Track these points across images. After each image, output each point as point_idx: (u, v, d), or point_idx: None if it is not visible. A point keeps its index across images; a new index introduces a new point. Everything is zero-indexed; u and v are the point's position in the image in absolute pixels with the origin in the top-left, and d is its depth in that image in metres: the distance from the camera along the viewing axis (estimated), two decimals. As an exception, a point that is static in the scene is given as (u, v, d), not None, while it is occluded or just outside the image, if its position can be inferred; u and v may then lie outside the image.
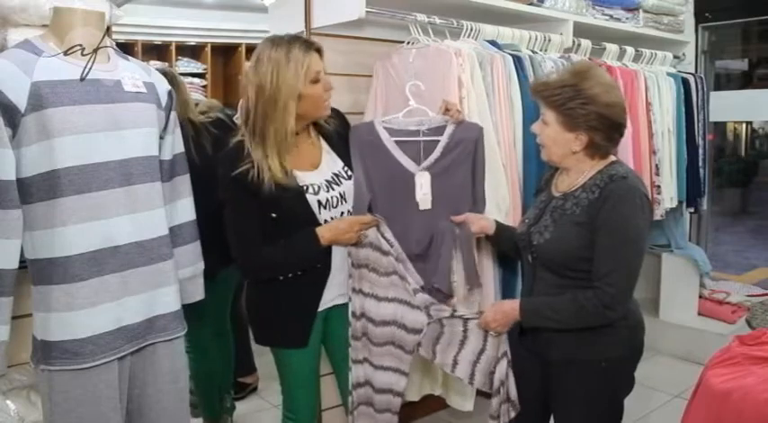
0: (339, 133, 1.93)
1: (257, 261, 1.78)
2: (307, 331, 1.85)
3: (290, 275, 1.80)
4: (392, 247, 1.86)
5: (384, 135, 1.98)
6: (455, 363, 1.88)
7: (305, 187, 1.78)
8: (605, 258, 1.62)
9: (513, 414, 1.86)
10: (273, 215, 1.73)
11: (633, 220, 1.63)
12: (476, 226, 1.97)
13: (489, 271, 2.27)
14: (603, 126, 1.66)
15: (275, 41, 1.73)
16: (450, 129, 1.99)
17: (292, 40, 1.73)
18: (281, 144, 1.71)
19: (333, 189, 1.83)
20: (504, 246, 2.03)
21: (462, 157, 2.00)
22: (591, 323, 1.66)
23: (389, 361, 1.92)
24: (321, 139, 1.89)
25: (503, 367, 1.84)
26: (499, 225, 2.01)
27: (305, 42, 1.74)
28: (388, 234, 1.86)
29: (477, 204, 2.03)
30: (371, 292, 1.89)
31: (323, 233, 1.77)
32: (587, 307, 1.64)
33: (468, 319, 1.85)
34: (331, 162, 1.88)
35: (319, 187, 1.81)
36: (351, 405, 1.97)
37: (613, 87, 1.71)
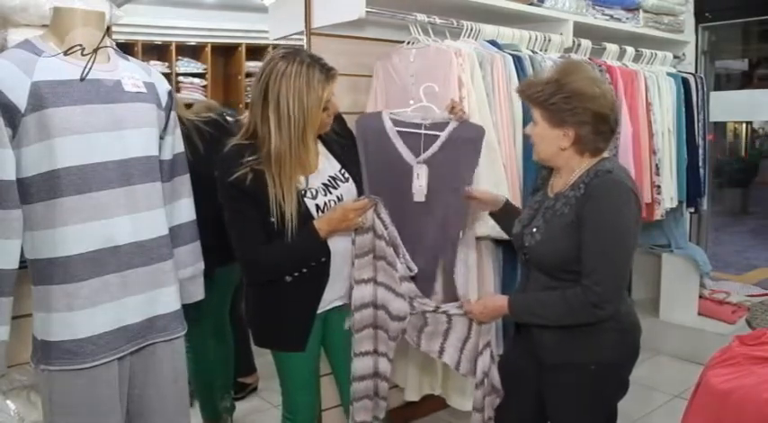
0: (337, 133, 1.93)
1: (261, 262, 1.78)
2: (305, 335, 1.84)
3: (292, 276, 1.79)
4: (386, 229, 1.85)
5: (388, 124, 2.04)
6: (442, 349, 1.90)
7: (303, 191, 1.78)
8: (591, 255, 1.61)
9: (497, 403, 1.87)
10: (272, 219, 1.73)
11: (618, 215, 1.61)
12: (486, 197, 1.98)
13: (489, 273, 2.28)
14: (590, 119, 1.64)
15: (293, 59, 1.70)
16: (451, 126, 2.01)
17: (311, 64, 1.71)
18: (292, 161, 1.72)
19: (330, 192, 1.83)
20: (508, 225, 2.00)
21: (459, 156, 2.01)
22: (580, 321, 1.65)
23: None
24: (318, 142, 1.89)
25: (486, 358, 1.84)
26: (507, 205, 1.99)
27: (323, 67, 1.73)
28: (384, 214, 1.85)
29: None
30: (384, 281, 1.89)
31: (320, 226, 1.77)
32: (575, 305, 1.63)
33: (451, 314, 1.85)
34: (328, 165, 1.88)
35: (317, 191, 1.81)
36: (351, 397, 1.96)
37: (598, 80, 1.70)
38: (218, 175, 1.75)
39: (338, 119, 1.96)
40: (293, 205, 1.72)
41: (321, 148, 1.89)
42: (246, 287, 1.93)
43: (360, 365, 1.94)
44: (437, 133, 2.02)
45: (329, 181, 1.85)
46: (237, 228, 1.76)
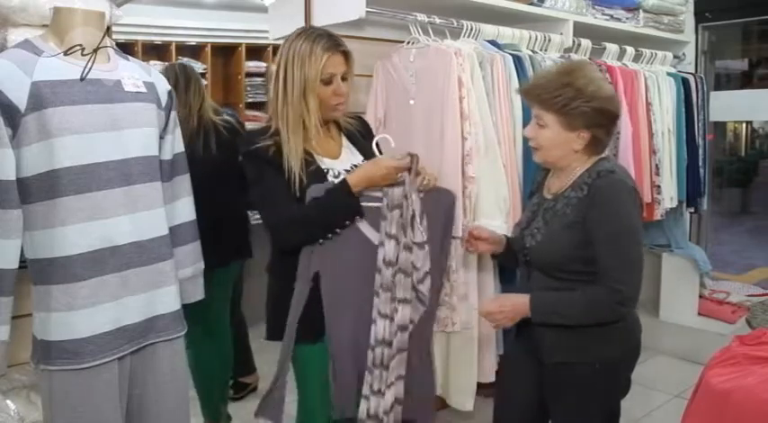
0: (361, 133, 1.93)
1: (290, 220, 1.71)
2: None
3: (325, 238, 1.72)
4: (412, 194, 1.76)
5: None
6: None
7: (326, 170, 1.78)
8: (607, 255, 1.62)
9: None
10: (296, 193, 1.72)
11: (624, 212, 1.64)
12: (489, 236, 1.91)
13: (489, 273, 2.28)
14: (605, 120, 1.67)
15: (305, 32, 1.77)
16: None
17: (320, 36, 1.75)
18: (301, 129, 1.73)
19: None
20: (507, 260, 1.98)
21: (435, 228, 1.82)
22: (601, 319, 1.66)
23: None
24: (342, 135, 1.90)
25: (399, 387, 1.74)
26: (509, 240, 1.92)
27: (331, 39, 1.75)
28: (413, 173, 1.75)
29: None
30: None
31: (354, 181, 1.71)
32: (600, 304, 1.64)
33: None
34: (351, 156, 1.88)
35: (339, 173, 1.79)
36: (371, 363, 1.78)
37: (604, 80, 1.74)
38: (242, 150, 1.76)
39: (361, 121, 1.98)
40: (299, 163, 1.71)
41: (345, 141, 1.90)
42: (271, 281, 1.86)
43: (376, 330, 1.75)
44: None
45: (351, 168, 1.84)
46: (263, 192, 1.74)
